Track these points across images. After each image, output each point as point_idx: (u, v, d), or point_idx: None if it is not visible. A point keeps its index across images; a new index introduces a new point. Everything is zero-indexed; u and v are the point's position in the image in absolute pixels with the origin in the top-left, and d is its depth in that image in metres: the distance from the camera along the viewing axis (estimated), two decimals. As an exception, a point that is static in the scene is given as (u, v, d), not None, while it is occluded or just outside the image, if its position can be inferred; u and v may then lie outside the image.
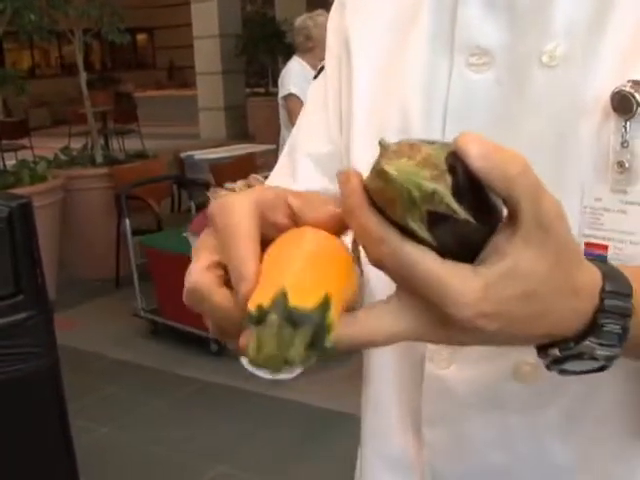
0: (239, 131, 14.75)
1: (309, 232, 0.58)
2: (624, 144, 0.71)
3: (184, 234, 5.11)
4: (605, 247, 0.73)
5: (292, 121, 5.30)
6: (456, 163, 0.51)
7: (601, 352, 0.60)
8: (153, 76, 24.29)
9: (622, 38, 0.74)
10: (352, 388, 0.98)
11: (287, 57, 6.63)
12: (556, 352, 0.61)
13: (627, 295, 0.60)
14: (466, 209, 0.51)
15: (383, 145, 0.53)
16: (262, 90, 16.39)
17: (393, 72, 0.89)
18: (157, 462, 4.01)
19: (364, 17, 0.95)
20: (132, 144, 12.54)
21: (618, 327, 0.60)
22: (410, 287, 0.54)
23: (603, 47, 0.74)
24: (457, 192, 0.51)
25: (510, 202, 0.53)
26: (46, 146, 9.31)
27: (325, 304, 0.51)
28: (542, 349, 0.62)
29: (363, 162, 0.87)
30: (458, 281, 0.52)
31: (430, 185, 0.50)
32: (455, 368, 0.82)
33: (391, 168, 0.51)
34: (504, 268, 0.53)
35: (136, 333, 5.78)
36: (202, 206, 5.62)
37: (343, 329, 0.54)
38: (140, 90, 19.87)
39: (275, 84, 6.77)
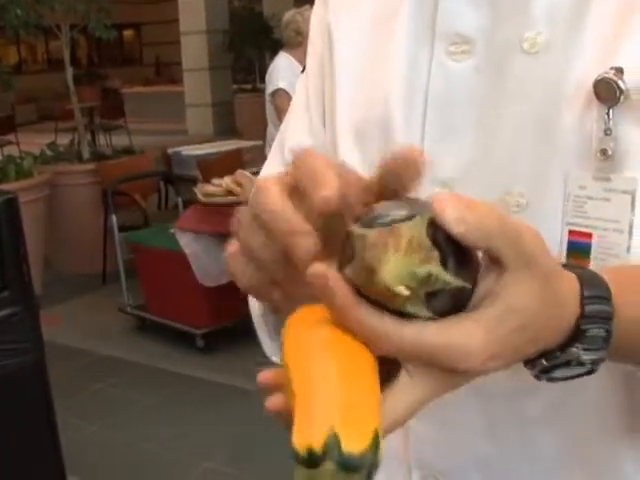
0: (226, 127, 14.73)
1: (328, 332, 0.55)
2: (607, 132, 0.71)
3: (171, 230, 5.11)
4: (589, 235, 0.73)
5: (280, 117, 5.28)
6: (437, 232, 0.51)
7: (587, 357, 0.60)
8: (140, 72, 24.24)
9: (604, 24, 0.73)
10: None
11: (274, 53, 6.60)
12: (543, 362, 0.61)
13: (606, 298, 0.60)
14: (457, 274, 0.51)
15: (357, 235, 0.52)
16: (249, 86, 16.38)
17: (375, 64, 0.89)
18: (145, 458, 4.00)
19: (346, 10, 0.94)
20: (119, 140, 12.49)
21: (602, 331, 0.60)
22: (418, 362, 0.53)
23: (585, 34, 0.74)
24: (445, 261, 0.50)
25: (492, 253, 0.53)
26: (33, 142, 9.28)
27: (376, 442, 0.50)
28: (529, 361, 0.62)
29: (350, 157, 0.87)
30: (460, 337, 0.52)
31: (423, 270, 0.50)
32: None
33: (383, 270, 0.50)
34: (500, 308, 0.53)
35: (123, 329, 5.77)
36: (189, 202, 5.62)
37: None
38: (127, 86, 19.81)
39: (263, 80, 6.76)
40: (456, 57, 0.80)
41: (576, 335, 0.59)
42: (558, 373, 0.62)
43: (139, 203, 6.62)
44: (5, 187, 5.34)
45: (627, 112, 0.71)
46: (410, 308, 0.51)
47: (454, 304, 0.52)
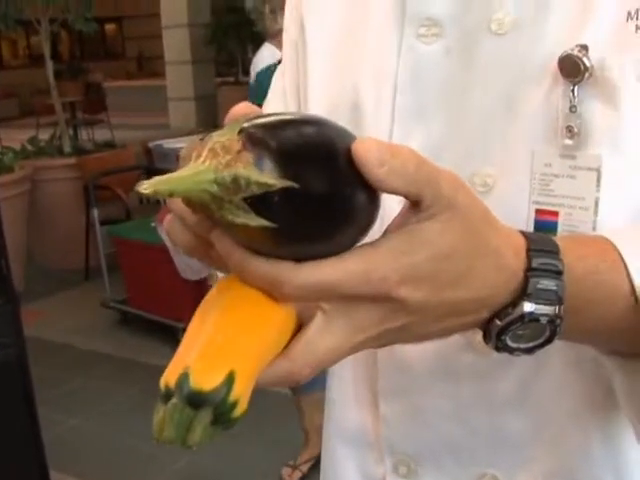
0: (209, 120, 14.69)
1: (236, 289, 0.55)
2: (572, 109, 0.71)
3: (152, 224, 5.10)
4: (556, 213, 0.73)
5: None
6: (253, 136, 0.49)
7: (541, 311, 0.60)
8: (122, 66, 24.17)
9: (569, 3, 0.73)
10: (328, 372, 0.97)
11: (257, 46, 6.61)
12: (497, 322, 0.60)
13: (554, 252, 0.61)
14: (283, 174, 0.48)
15: (183, 157, 0.52)
16: (232, 79, 16.35)
17: (347, 48, 0.89)
18: (127, 452, 4.00)
19: None
20: (102, 135, 12.47)
21: (553, 284, 0.60)
22: (325, 300, 0.54)
23: (552, 13, 0.74)
24: (260, 162, 0.48)
25: (411, 198, 0.54)
26: (14, 138, 9.24)
27: (228, 382, 0.50)
28: (486, 331, 0.62)
29: None
30: (356, 264, 0.53)
31: (227, 174, 0.48)
32: None
33: (172, 184, 0.48)
34: (407, 235, 0.54)
35: (105, 323, 5.76)
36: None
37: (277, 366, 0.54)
38: (109, 80, 19.74)
39: (245, 73, 6.76)
40: (426, 40, 0.80)
41: (526, 288, 0.59)
42: (514, 339, 0.61)
43: (121, 197, 6.61)
44: (-15, 182, 5.33)
45: (592, 89, 0.71)
46: (235, 219, 0.49)
47: (306, 211, 0.50)
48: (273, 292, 0.54)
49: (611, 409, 0.77)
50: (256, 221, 0.49)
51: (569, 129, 0.71)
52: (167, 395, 0.51)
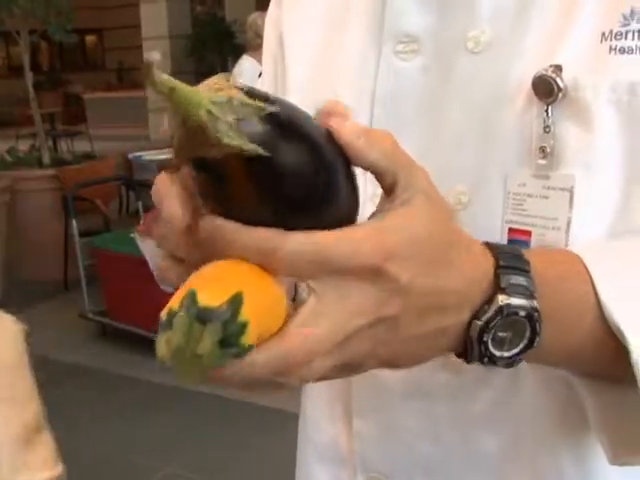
0: (189, 132, 14.64)
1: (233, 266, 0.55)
2: (546, 129, 0.72)
3: (132, 235, 5.07)
4: (528, 233, 0.74)
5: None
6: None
7: (516, 302, 0.60)
8: (102, 77, 24.05)
9: (545, 24, 0.74)
10: (302, 389, 0.98)
11: (236, 58, 6.62)
12: (477, 322, 0.60)
13: (518, 255, 0.63)
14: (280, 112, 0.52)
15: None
16: (212, 91, 16.31)
17: (326, 64, 0.89)
18: (106, 464, 3.97)
19: (298, 11, 0.95)
20: (81, 146, 12.41)
21: (522, 279, 0.61)
22: (316, 273, 0.53)
23: (528, 33, 0.75)
24: (266, 97, 0.51)
25: (386, 176, 0.56)
26: (-7, 148, 9.21)
27: (236, 301, 0.50)
28: (467, 342, 0.62)
29: None
30: (348, 232, 0.53)
31: (222, 94, 0.50)
32: None
33: (177, 87, 0.49)
34: (386, 218, 0.55)
35: (84, 335, 5.73)
36: (150, 207, 5.59)
37: (274, 344, 0.52)
38: (89, 91, 19.68)
39: (225, 85, 6.73)
40: (404, 56, 0.81)
41: (499, 284, 0.60)
42: (497, 345, 0.61)
43: (100, 208, 6.58)
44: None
45: (566, 109, 0.72)
46: (231, 142, 0.50)
47: (289, 137, 0.52)
48: (265, 261, 0.52)
49: (583, 430, 0.77)
50: (249, 146, 0.50)
51: (542, 149, 0.72)
52: (170, 319, 0.50)
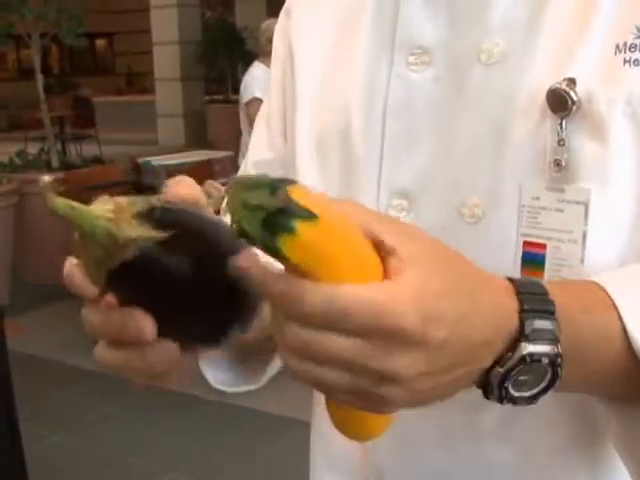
0: (198, 138, 14.67)
1: None
2: (560, 142, 0.72)
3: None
4: (543, 246, 0.73)
5: (253, 126, 5.28)
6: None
7: (539, 349, 0.59)
8: (112, 81, 24.10)
9: (557, 36, 0.74)
10: (306, 395, 0.97)
11: (247, 64, 6.62)
12: (498, 369, 0.60)
13: (543, 293, 0.61)
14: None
15: None
16: (221, 97, 16.35)
17: (336, 74, 0.89)
18: (110, 468, 3.96)
19: (307, 20, 0.95)
20: (90, 150, 12.42)
21: (548, 324, 0.60)
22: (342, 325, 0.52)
23: (540, 45, 0.75)
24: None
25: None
26: (2, 151, 9.19)
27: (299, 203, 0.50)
28: (487, 384, 0.61)
29: (309, 168, 0.88)
30: (381, 292, 0.52)
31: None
32: None
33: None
34: (413, 275, 0.53)
35: (90, 339, 5.69)
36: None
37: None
38: (99, 95, 19.69)
39: (235, 91, 6.76)
40: (415, 68, 0.81)
41: (523, 330, 0.59)
42: (516, 388, 0.61)
43: (108, 212, 6.58)
44: (-28, 195, 5.31)
45: (580, 123, 0.72)
46: (131, 231, 0.57)
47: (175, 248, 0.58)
48: (292, 312, 0.52)
49: (599, 448, 0.77)
50: (152, 232, 0.57)
51: (557, 162, 0.72)
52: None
